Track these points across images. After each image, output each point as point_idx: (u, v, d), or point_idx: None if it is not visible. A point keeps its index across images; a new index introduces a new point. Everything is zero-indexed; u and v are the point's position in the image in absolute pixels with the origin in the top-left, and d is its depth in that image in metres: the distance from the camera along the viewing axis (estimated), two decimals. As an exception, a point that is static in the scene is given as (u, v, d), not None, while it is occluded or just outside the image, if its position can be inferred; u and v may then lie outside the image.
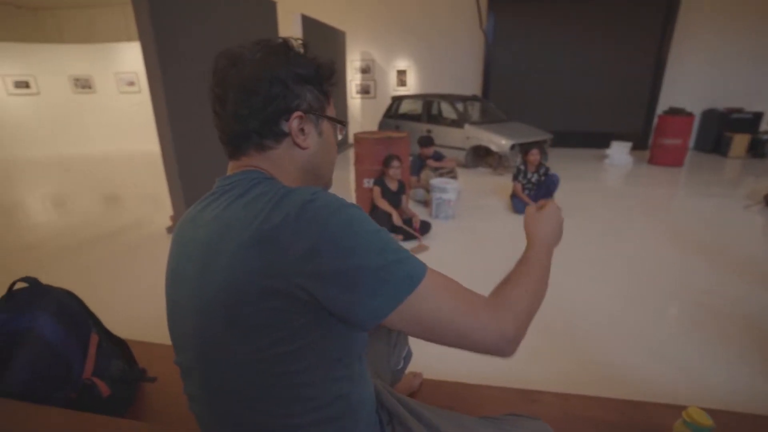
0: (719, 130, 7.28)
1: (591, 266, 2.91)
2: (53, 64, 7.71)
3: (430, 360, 1.51)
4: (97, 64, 7.87)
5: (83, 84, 7.92)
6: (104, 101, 8.06)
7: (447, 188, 3.82)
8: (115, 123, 8.16)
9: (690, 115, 6.28)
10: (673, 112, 6.40)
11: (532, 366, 1.85)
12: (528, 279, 0.66)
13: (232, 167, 0.65)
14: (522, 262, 0.71)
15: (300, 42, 0.64)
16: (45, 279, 1.10)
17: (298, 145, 0.63)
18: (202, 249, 0.57)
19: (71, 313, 1.08)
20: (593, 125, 7.92)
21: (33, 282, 1.05)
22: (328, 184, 0.72)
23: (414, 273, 0.52)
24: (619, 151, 6.48)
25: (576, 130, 7.94)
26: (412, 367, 1.31)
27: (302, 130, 0.63)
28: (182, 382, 0.67)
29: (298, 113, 0.61)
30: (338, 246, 0.50)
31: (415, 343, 2.06)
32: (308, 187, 0.56)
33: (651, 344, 2.03)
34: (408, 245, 3.30)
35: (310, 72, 0.63)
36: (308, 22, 5.97)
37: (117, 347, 1.25)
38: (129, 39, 7.90)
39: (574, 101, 7.89)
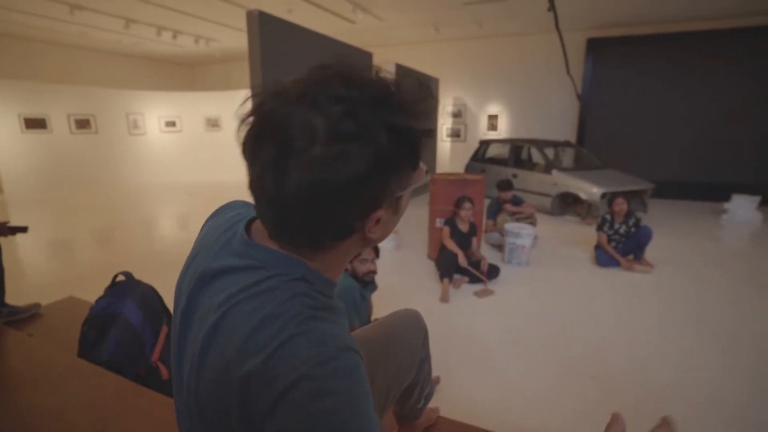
0: None
1: (687, 331, 2.55)
2: (194, 107, 9.40)
3: (455, 390, 1.49)
4: (225, 107, 9.38)
5: (213, 123, 9.47)
6: (227, 137, 9.49)
7: (521, 233, 3.70)
8: (234, 156, 9.50)
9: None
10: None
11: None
12: None
13: (267, 234, 0.52)
14: None
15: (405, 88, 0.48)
16: (158, 282, 1.38)
17: (367, 237, 0.51)
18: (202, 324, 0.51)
19: (151, 304, 1.34)
20: (709, 175, 6.98)
21: (128, 275, 1.34)
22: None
23: None
24: (743, 206, 5.60)
25: (687, 180, 7.07)
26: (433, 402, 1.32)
27: (377, 221, 0.49)
28: None
29: (380, 213, 0.48)
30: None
31: (445, 380, 2.03)
32: (319, 351, 0.44)
33: (745, 421, 1.71)
34: (474, 288, 3.25)
35: (406, 145, 0.46)
36: (402, 71, 6.43)
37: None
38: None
39: (686, 148, 7.08)
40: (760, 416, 1.81)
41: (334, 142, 0.42)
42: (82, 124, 8.24)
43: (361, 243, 0.52)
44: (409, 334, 1.06)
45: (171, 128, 9.40)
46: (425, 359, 1.11)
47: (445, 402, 1.68)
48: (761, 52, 6.47)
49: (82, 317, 1.80)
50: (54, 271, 3.68)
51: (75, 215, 6.01)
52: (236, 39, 8.22)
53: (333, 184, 0.42)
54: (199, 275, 0.54)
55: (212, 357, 0.47)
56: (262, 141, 0.45)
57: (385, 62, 6.33)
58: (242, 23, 7.05)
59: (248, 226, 0.56)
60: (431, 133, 0.53)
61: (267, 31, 3.34)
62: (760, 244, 4.71)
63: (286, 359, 0.42)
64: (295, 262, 0.49)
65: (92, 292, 2.30)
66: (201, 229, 0.68)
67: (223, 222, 0.60)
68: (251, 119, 0.47)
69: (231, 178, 9.42)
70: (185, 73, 11.99)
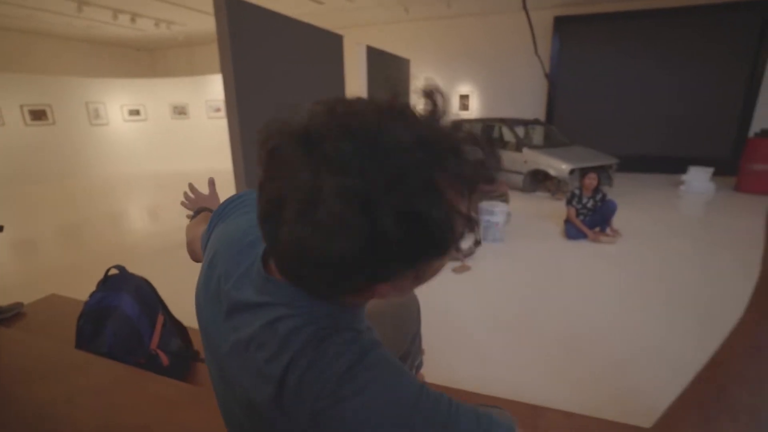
0: (828, 156, 6.40)
1: (648, 300, 2.78)
2: (158, 95, 9.05)
3: (436, 361, 1.60)
4: (192, 94, 9.07)
5: (180, 110, 9.17)
6: (195, 125, 9.22)
7: (495, 211, 3.86)
8: (203, 145, 9.27)
9: (787, 138, 5.63)
10: (766, 134, 5.78)
11: (547, 384, 1.86)
12: None
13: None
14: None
15: (467, 125, 0.43)
16: (133, 271, 1.42)
17: (381, 296, 0.45)
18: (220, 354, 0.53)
19: (145, 296, 1.38)
20: (669, 149, 7.36)
21: (121, 269, 1.37)
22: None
23: None
24: (699, 177, 5.97)
25: (649, 154, 7.44)
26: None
27: (393, 287, 0.43)
28: None
29: (385, 286, 0.42)
30: None
31: (428, 350, 2.16)
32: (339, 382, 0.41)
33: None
34: (451, 264, 3.39)
35: (442, 235, 0.38)
36: (373, 53, 6.39)
37: (177, 329, 1.53)
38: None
39: (648, 124, 7.43)
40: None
41: (331, 212, 0.35)
42: (38, 115, 7.80)
43: (369, 299, 0.48)
44: (405, 308, 1.16)
45: (135, 117, 9.03)
46: (417, 332, 1.22)
47: (428, 371, 1.80)
48: (715, 32, 6.79)
49: (68, 314, 1.81)
50: (27, 271, 3.58)
51: (38, 212, 5.78)
52: (200, 21, 7.92)
53: (318, 253, 0.36)
54: (227, 308, 0.52)
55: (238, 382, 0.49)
56: (271, 183, 0.40)
57: (356, 44, 6.27)
58: (205, 5, 6.80)
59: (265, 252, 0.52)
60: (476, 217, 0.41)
61: (235, 16, 3.27)
62: (714, 212, 5.06)
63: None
64: (318, 303, 0.46)
65: (73, 289, 2.28)
66: (209, 228, 0.67)
67: (239, 235, 0.58)
68: (265, 160, 0.41)
69: (202, 166, 9.20)
70: (145, 58, 11.45)
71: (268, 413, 0.43)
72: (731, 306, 2.64)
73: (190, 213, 1.02)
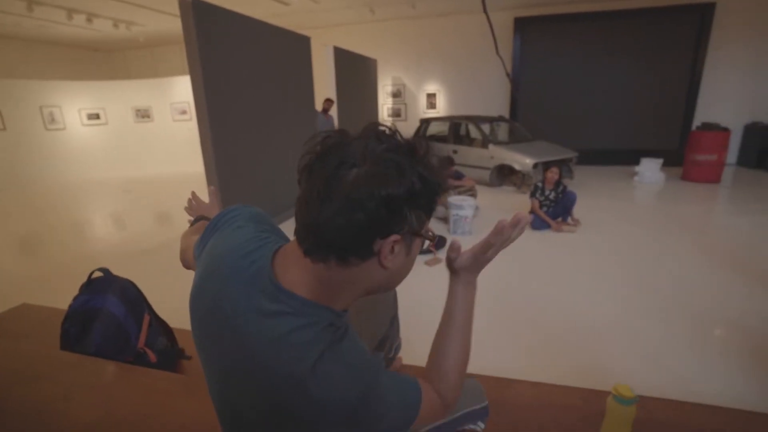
0: (763, 145, 7.00)
1: (606, 281, 3.00)
2: (119, 98, 8.74)
3: (412, 345, 1.72)
4: (155, 96, 8.82)
5: (143, 114, 8.90)
6: (160, 128, 8.97)
7: (463, 205, 4.03)
8: (168, 148, 9.04)
9: (725, 130, 6.12)
10: (707, 127, 6.26)
11: (527, 361, 2.02)
12: (466, 349, 0.78)
13: (297, 261, 0.58)
14: (458, 327, 0.79)
15: (425, 144, 0.58)
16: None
17: (382, 265, 0.57)
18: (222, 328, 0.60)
19: (131, 296, 1.42)
20: (623, 142, 7.84)
21: (106, 271, 1.40)
22: (390, 290, 0.72)
23: (410, 417, 0.63)
24: (650, 168, 6.40)
25: (605, 147, 7.89)
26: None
27: (392, 250, 0.56)
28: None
29: (396, 237, 0.54)
30: None
31: (404, 337, 2.28)
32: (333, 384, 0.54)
33: (647, 351, 2.13)
34: (424, 258, 3.53)
35: (427, 190, 0.55)
36: (340, 53, 6.46)
37: (163, 328, 1.57)
38: (185, 72, 8.82)
39: (604, 118, 7.87)
40: (671, 349, 2.26)
41: (380, 163, 0.51)
42: (-13, 120, 7.41)
43: (376, 273, 0.58)
44: (383, 295, 1.26)
45: (95, 121, 8.68)
46: (395, 315, 1.32)
47: (405, 354, 1.91)
48: (660, 32, 7.28)
49: (44, 321, 1.81)
50: (-13, 283, 3.45)
51: (-5, 222, 5.51)
52: (161, 22, 7.73)
53: (367, 197, 0.50)
54: (235, 315, 0.59)
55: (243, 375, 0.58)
56: (326, 158, 0.53)
57: (323, 45, 6.32)
58: (166, 6, 6.64)
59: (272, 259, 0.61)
60: (442, 193, 0.61)
61: (202, 19, 3.28)
62: (664, 200, 5.45)
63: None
64: (323, 308, 0.57)
65: (43, 298, 2.25)
66: (203, 239, 0.73)
67: (237, 245, 0.65)
68: (315, 149, 0.54)
69: (169, 170, 8.98)
70: (103, 60, 11.02)
71: (293, 405, 0.54)
72: (677, 282, 2.91)
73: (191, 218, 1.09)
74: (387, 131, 0.56)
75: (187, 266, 0.90)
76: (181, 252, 0.94)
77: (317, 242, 0.54)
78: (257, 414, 0.59)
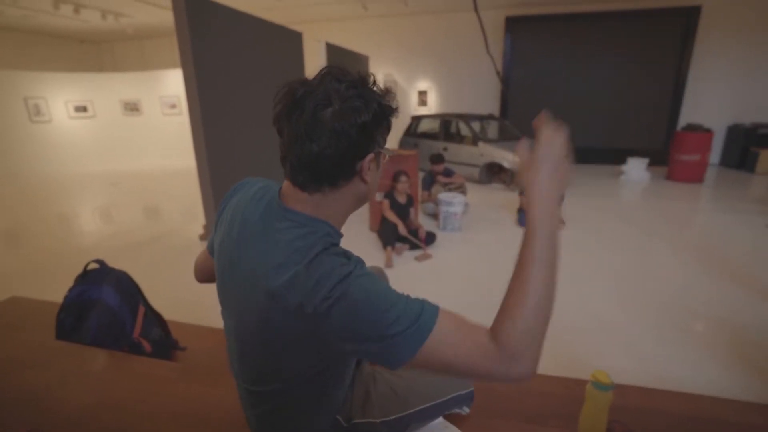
0: (745, 146, 7.19)
1: (590, 276, 3.09)
2: (107, 91, 8.62)
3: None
4: (144, 89, 8.72)
5: (132, 107, 8.79)
6: (149, 122, 8.87)
7: (453, 202, 4.09)
8: (157, 142, 8.95)
9: (708, 131, 6.28)
10: (691, 128, 6.41)
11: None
12: (535, 289, 0.62)
13: (296, 195, 0.69)
14: (527, 261, 0.63)
15: (373, 77, 0.68)
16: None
17: (363, 180, 0.68)
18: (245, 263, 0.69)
19: (126, 287, 1.44)
20: (611, 142, 7.98)
21: (101, 263, 1.42)
22: (371, 199, 0.79)
23: (422, 331, 0.59)
24: (636, 167, 6.53)
25: (593, 146, 8.02)
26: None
27: (369, 167, 0.67)
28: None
29: (371, 155, 0.67)
30: (363, 335, 0.59)
31: None
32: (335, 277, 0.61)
33: (626, 343, 2.21)
34: (414, 253, 3.58)
35: (385, 111, 0.66)
36: (332, 49, 6.46)
37: (157, 319, 1.60)
38: (175, 66, 8.72)
39: (592, 118, 8.00)
40: (652, 344, 2.34)
41: (348, 100, 0.62)
42: (-31, 112, 7.25)
43: (359, 187, 0.70)
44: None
45: (82, 114, 8.55)
46: None
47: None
48: (647, 34, 7.42)
49: (37, 313, 1.82)
50: (-27, 276, 3.41)
51: (-20, 215, 5.41)
52: (151, 14, 7.63)
53: (347, 127, 0.62)
54: (250, 233, 0.70)
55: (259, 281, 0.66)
56: (298, 105, 0.62)
57: (315, 41, 6.31)
58: (157, -2, 6.57)
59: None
60: (397, 112, 0.71)
61: (194, 12, 3.27)
62: (650, 199, 5.59)
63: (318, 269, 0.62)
64: (321, 222, 0.68)
65: (32, 291, 2.25)
66: (223, 203, 0.84)
67: (251, 195, 0.76)
68: (286, 99, 0.64)
69: (159, 164, 8.89)
70: (90, 51, 10.84)
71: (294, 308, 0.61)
72: (656, 277, 3.01)
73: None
74: (340, 70, 0.65)
75: (200, 278, 0.98)
76: (196, 264, 0.99)
77: (312, 175, 0.66)
78: (262, 322, 0.66)
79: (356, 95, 0.62)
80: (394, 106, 0.68)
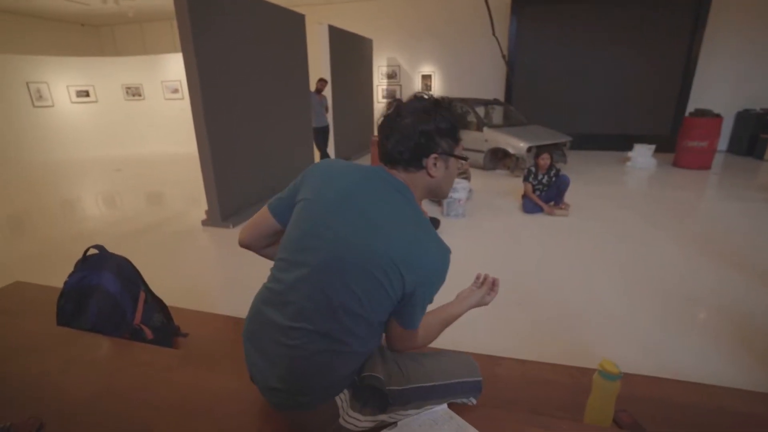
0: (755, 132, 7.06)
1: (596, 264, 3.06)
2: (109, 75, 8.54)
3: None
4: (146, 74, 8.63)
5: (134, 92, 8.71)
6: (151, 107, 8.81)
7: (457, 188, 4.04)
8: (160, 127, 8.90)
9: (717, 116, 6.16)
10: (699, 113, 6.29)
11: (516, 340, 2.07)
12: (441, 327, 1.05)
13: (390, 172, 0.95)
14: (444, 319, 1.07)
15: (447, 100, 0.94)
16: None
17: (429, 174, 0.92)
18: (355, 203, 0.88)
19: (127, 274, 1.43)
20: (617, 128, 7.86)
21: (101, 248, 1.41)
22: (444, 195, 1.02)
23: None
24: (642, 154, 6.44)
25: (599, 132, 7.90)
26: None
27: (435, 164, 0.91)
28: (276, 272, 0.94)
29: (434, 155, 0.90)
30: (425, 292, 0.87)
31: None
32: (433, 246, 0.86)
33: (632, 332, 2.19)
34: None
35: (448, 127, 0.91)
36: (335, 32, 6.34)
37: (158, 305, 1.59)
38: (176, 50, 8.61)
39: (598, 104, 7.86)
40: (657, 333, 2.32)
41: (417, 113, 0.89)
42: (-29, 96, 7.21)
43: (428, 180, 0.93)
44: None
45: (84, 98, 8.49)
46: None
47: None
48: (656, 19, 7.23)
49: (38, 298, 1.82)
50: (-22, 261, 3.42)
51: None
52: (150, -4, 7.50)
53: (414, 130, 0.88)
54: (352, 192, 0.90)
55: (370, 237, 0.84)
56: (392, 115, 0.92)
57: (318, 23, 6.19)
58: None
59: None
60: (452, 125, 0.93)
61: (194, -6, 3.19)
62: (656, 186, 5.51)
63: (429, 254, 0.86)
64: (400, 189, 0.91)
65: (36, 276, 2.26)
66: (307, 174, 0.97)
67: (343, 168, 0.96)
68: (389, 110, 0.94)
69: (161, 149, 8.86)
70: (91, 35, 10.71)
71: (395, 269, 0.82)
72: (664, 267, 2.98)
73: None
74: (424, 95, 0.94)
75: (248, 240, 1.07)
76: (251, 224, 1.06)
77: (393, 160, 0.92)
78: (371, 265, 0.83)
79: (424, 111, 0.90)
80: (449, 120, 0.91)
